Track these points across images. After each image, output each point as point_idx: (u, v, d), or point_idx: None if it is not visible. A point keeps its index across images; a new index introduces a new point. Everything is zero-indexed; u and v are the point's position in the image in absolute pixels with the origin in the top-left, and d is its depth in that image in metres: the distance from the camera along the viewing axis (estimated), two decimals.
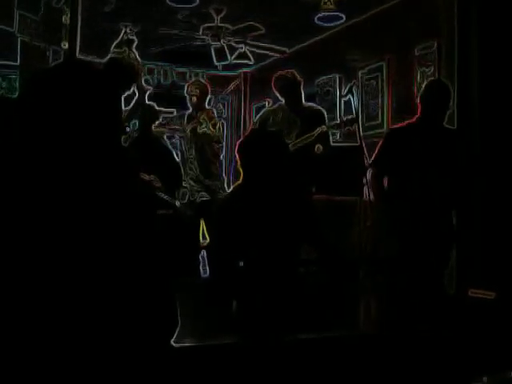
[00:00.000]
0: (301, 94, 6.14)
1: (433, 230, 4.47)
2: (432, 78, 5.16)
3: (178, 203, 5.59)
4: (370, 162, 4.85)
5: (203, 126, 6.30)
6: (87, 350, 1.55)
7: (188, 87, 6.56)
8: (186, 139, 6.57)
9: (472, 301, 4.59)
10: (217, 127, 6.39)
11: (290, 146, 5.67)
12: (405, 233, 4.52)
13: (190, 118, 6.55)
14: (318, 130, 5.79)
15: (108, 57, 5.02)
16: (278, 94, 6.24)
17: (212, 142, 6.38)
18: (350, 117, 6.39)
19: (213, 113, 6.67)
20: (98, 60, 5.16)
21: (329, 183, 5.88)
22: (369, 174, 4.88)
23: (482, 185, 4.92)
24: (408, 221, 4.50)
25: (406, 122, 4.78)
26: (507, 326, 4.01)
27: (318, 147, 5.78)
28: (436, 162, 4.48)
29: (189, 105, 6.56)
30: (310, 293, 3.60)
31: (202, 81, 7.27)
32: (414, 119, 4.71)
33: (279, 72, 6.25)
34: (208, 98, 6.62)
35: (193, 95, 6.44)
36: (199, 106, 6.46)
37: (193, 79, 7.04)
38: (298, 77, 6.15)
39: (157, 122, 5.98)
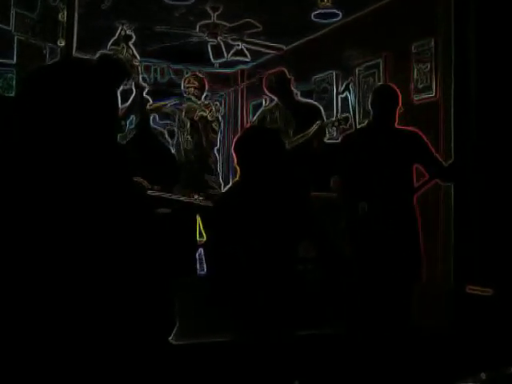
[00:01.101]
0: (291, 90, 6.15)
1: (389, 232, 4.49)
2: (379, 84, 5.24)
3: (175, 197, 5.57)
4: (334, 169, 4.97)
5: (198, 111, 6.29)
6: (85, 349, 1.55)
7: (185, 80, 6.56)
8: (183, 131, 6.55)
9: (470, 297, 4.61)
10: (212, 110, 6.39)
11: (287, 143, 5.68)
12: (358, 234, 4.59)
13: (187, 111, 6.54)
14: (314, 126, 5.79)
15: (99, 53, 5.02)
16: (269, 95, 6.26)
17: (208, 126, 6.36)
18: (344, 115, 6.41)
19: (209, 102, 6.65)
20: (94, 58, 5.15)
21: (326, 180, 5.88)
22: (332, 181, 4.99)
23: (480, 182, 4.92)
24: (363, 222, 4.56)
25: (359, 127, 4.93)
26: (505, 322, 4.02)
27: (315, 142, 5.79)
28: (388, 161, 4.54)
29: (185, 99, 6.55)
30: (308, 290, 3.61)
31: (200, 74, 7.27)
32: (365, 124, 4.88)
33: (268, 72, 6.28)
34: (205, 93, 6.61)
35: (190, 87, 6.43)
36: (199, 98, 6.46)
37: (188, 74, 7.01)
38: (287, 74, 6.16)
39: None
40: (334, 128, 6.10)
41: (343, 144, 4.95)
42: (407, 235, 4.50)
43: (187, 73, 9.14)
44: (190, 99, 6.49)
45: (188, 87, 6.45)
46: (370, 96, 4.94)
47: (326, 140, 6.17)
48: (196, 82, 6.45)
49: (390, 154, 4.54)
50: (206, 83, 6.66)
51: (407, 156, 4.58)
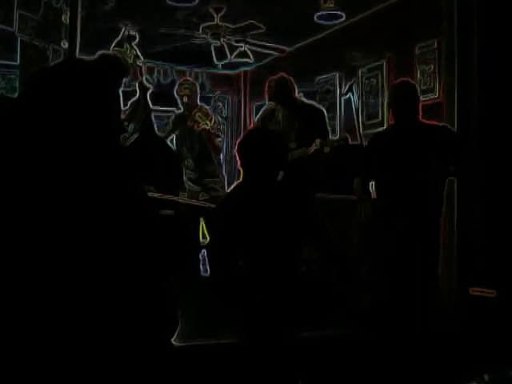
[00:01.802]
0: (292, 95, 6.14)
1: (420, 229, 4.48)
2: (397, 81, 5.17)
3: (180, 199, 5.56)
4: (356, 170, 4.93)
5: (201, 123, 6.29)
6: (88, 350, 1.55)
7: (177, 89, 6.55)
8: (179, 139, 6.55)
9: (473, 299, 4.59)
10: (212, 121, 6.39)
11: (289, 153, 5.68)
12: (394, 235, 4.56)
13: (182, 117, 6.54)
14: (313, 146, 5.76)
15: (98, 53, 5.01)
16: (270, 100, 6.25)
17: (213, 136, 6.37)
18: (343, 136, 6.41)
19: (206, 109, 6.65)
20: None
21: (329, 182, 5.87)
22: (355, 182, 4.95)
23: (483, 183, 4.92)
24: (396, 224, 4.53)
25: (385, 127, 4.87)
26: (508, 323, 4.01)
27: (326, 148, 5.76)
28: (420, 161, 4.51)
29: (180, 105, 6.55)
30: (312, 292, 3.60)
31: (190, 79, 7.27)
32: (390, 125, 4.80)
33: (269, 79, 6.26)
34: (199, 96, 6.61)
35: (184, 95, 6.43)
36: (192, 105, 6.46)
37: (180, 80, 7.00)
38: (288, 78, 6.14)
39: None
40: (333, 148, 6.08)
41: (370, 145, 4.90)
42: (428, 241, 4.51)
43: (190, 74, 9.17)
44: (185, 106, 6.48)
45: (181, 95, 6.45)
46: (391, 94, 4.86)
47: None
48: (187, 90, 6.45)
49: (419, 153, 4.49)
50: (198, 87, 6.65)
51: (439, 154, 4.54)
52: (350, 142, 5.99)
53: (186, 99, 6.42)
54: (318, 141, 5.74)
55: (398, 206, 4.54)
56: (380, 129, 5.27)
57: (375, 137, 5.01)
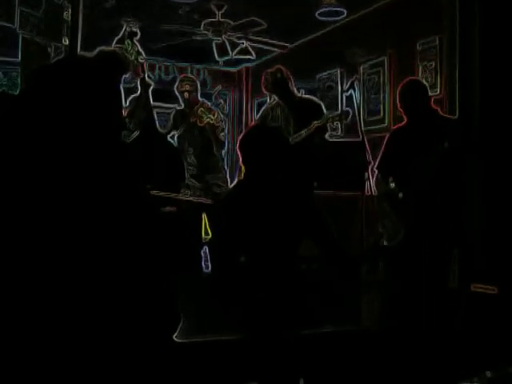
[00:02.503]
0: (289, 88, 6.15)
1: (437, 222, 4.48)
2: (405, 80, 5.16)
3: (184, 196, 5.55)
4: (375, 166, 4.97)
5: (205, 117, 6.29)
6: (91, 347, 1.55)
7: (178, 85, 6.54)
8: (181, 135, 6.55)
9: (474, 295, 4.59)
10: (215, 116, 6.39)
11: (290, 140, 5.68)
12: (410, 224, 4.55)
13: (183, 114, 6.53)
14: (315, 122, 5.80)
15: (97, 50, 5.01)
16: (267, 93, 6.27)
17: (217, 130, 6.37)
18: (345, 109, 6.41)
19: (208, 104, 6.65)
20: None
21: (331, 178, 5.87)
22: (374, 178, 4.99)
23: (484, 180, 4.92)
24: (414, 213, 4.53)
25: (403, 123, 4.86)
26: (510, 320, 4.01)
27: (316, 138, 5.80)
28: (436, 155, 4.51)
29: (181, 102, 6.54)
30: (312, 289, 3.60)
31: (191, 75, 7.27)
32: (405, 123, 4.80)
33: (265, 71, 6.27)
34: (200, 92, 6.61)
35: (184, 91, 6.43)
36: (193, 101, 6.45)
37: (180, 76, 6.99)
38: (284, 72, 6.14)
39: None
40: (336, 123, 6.09)
41: (389, 142, 4.92)
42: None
43: (192, 70, 9.17)
44: (186, 102, 6.48)
45: (182, 91, 6.45)
46: (402, 94, 4.85)
47: (327, 137, 6.16)
48: (188, 86, 6.44)
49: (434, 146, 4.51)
50: (198, 84, 6.65)
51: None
52: (350, 117, 6.00)
53: (186, 95, 6.42)
54: (314, 123, 5.77)
55: (418, 198, 4.54)
56: (395, 127, 5.24)
57: (393, 134, 5.01)
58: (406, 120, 4.80)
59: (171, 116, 6.68)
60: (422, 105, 4.68)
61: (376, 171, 5.01)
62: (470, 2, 5.12)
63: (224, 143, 6.60)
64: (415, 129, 4.67)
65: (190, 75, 7.40)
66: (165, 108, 7.28)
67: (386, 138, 5.03)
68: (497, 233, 4.87)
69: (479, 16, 5.07)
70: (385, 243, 4.86)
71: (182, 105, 6.56)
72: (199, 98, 6.57)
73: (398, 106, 4.86)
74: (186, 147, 6.51)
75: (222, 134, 6.50)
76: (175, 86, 6.56)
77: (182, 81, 6.58)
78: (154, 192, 4.89)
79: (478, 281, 4.79)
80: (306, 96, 6.49)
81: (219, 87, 9.24)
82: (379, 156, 4.94)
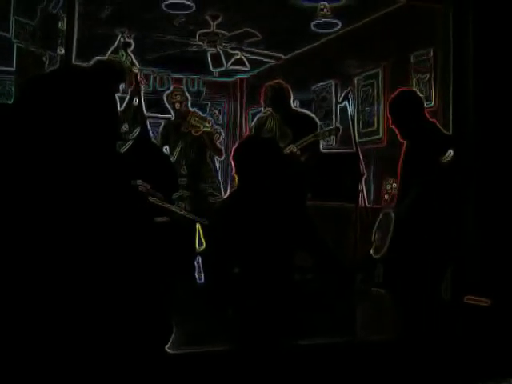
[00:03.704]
0: (288, 102, 6.15)
1: (431, 234, 4.49)
2: (399, 91, 5.13)
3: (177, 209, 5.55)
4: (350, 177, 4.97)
5: (201, 126, 6.30)
6: (79, 359, 1.54)
7: (168, 96, 6.55)
8: (173, 147, 6.54)
9: (467, 307, 4.59)
10: (210, 124, 6.41)
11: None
12: (407, 235, 4.55)
13: (175, 125, 6.53)
14: (309, 137, 5.79)
15: (94, 59, 5.01)
16: (266, 106, 6.26)
17: (215, 138, 6.38)
18: (337, 125, 6.43)
19: (198, 113, 6.66)
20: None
21: (325, 189, 5.88)
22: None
23: (478, 191, 4.92)
24: (408, 226, 4.53)
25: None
26: (503, 332, 4.00)
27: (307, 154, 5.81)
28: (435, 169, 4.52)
29: (173, 113, 6.55)
30: (306, 300, 3.60)
31: (181, 86, 7.30)
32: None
33: (265, 84, 6.26)
34: (190, 102, 6.62)
35: (175, 102, 6.44)
36: (184, 111, 6.46)
37: (171, 88, 7.01)
38: (285, 85, 6.14)
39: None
40: (329, 138, 6.10)
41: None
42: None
43: (187, 81, 9.19)
44: (177, 113, 6.49)
45: (173, 103, 6.46)
46: (394, 105, 4.82)
47: (321, 149, 6.18)
48: (178, 97, 6.46)
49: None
50: (188, 95, 6.67)
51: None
52: (340, 131, 6.01)
53: (178, 106, 6.44)
54: (310, 136, 5.78)
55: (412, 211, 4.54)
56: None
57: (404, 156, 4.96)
58: (400, 136, 4.78)
59: (160, 131, 6.68)
60: (418, 118, 4.66)
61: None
62: (464, 14, 5.14)
63: (222, 150, 6.59)
64: (413, 146, 4.65)
65: (179, 86, 7.41)
66: (160, 118, 7.28)
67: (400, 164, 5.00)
68: (491, 244, 4.88)
69: (473, 28, 5.09)
70: (372, 254, 4.88)
71: (173, 116, 6.57)
72: (189, 107, 6.58)
73: (390, 121, 4.83)
74: (179, 158, 6.51)
75: (219, 140, 6.50)
76: (165, 98, 6.57)
77: (172, 92, 6.60)
78: (151, 199, 4.89)
79: (472, 293, 4.79)
80: (301, 110, 6.49)
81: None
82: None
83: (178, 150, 6.50)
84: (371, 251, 4.88)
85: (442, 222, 4.52)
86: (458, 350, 3.79)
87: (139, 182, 5.05)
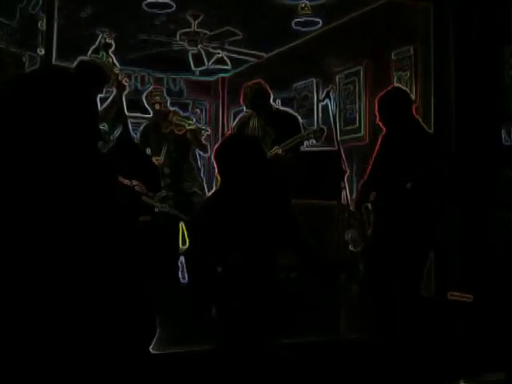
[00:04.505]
0: (268, 102, 6.09)
1: (412, 229, 4.49)
2: (389, 88, 5.11)
3: (164, 208, 5.53)
4: (363, 182, 4.90)
5: (185, 124, 6.28)
6: (65, 359, 1.54)
7: (148, 97, 6.52)
8: (154, 148, 6.51)
9: (451, 303, 4.62)
10: (193, 121, 6.39)
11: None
12: (385, 231, 4.55)
13: (155, 125, 6.51)
14: (292, 139, 5.75)
15: (78, 59, 4.99)
16: (246, 107, 6.21)
17: (199, 135, 6.35)
18: (321, 126, 6.42)
19: (179, 112, 6.63)
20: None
21: (307, 188, 5.89)
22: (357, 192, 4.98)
23: (459, 189, 4.95)
24: (389, 221, 4.53)
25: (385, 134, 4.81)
26: (485, 328, 4.03)
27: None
28: (417, 167, 4.51)
29: (152, 113, 6.52)
30: (291, 298, 3.60)
31: (160, 87, 7.28)
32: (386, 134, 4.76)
33: (244, 85, 6.21)
34: (169, 101, 6.60)
35: (155, 103, 6.42)
36: (164, 111, 6.44)
37: (149, 89, 6.98)
38: (264, 85, 6.09)
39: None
40: (311, 140, 6.07)
41: (375, 162, 4.85)
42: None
43: (168, 81, 9.17)
44: (157, 114, 6.46)
45: (153, 103, 6.44)
46: (382, 103, 4.80)
47: (303, 147, 6.16)
48: (158, 97, 6.44)
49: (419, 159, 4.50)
50: (167, 96, 6.65)
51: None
52: (325, 133, 5.98)
53: (157, 106, 6.42)
54: (295, 137, 5.74)
55: (394, 205, 4.52)
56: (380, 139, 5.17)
57: (381, 147, 4.93)
58: (386, 131, 4.75)
59: (140, 133, 6.64)
60: (406, 115, 4.64)
61: (361, 182, 4.95)
62: (445, 11, 5.17)
63: (207, 146, 6.56)
64: (400, 140, 4.63)
65: (158, 86, 7.38)
66: (141, 118, 7.25)
67: (375, 151, 4.98)
68: (473, 240, 4.91)
69: (453, 25, 5.12)
70: (351, 248, 4.88)
71: (153, 116, 6.54)
72: (169, 106, 6.56)
73: (377, 117, 4.80)
74: (160, 158, 6.48)
75: (204, 137, 6.47)
76: (145, 99, 6.54)
77: (151, 93, 6.57)
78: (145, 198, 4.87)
79: (455, 289, 4.82)
80: (283, 109, 6.47)
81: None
82: (369, 169, 4.86)
83: (164, 152, 6.47)
84: (349, 246, 4.89)
85: (423, 218, 4.53)
86: (441, 346, 3.81)
87: (134, 182, 5.03)
